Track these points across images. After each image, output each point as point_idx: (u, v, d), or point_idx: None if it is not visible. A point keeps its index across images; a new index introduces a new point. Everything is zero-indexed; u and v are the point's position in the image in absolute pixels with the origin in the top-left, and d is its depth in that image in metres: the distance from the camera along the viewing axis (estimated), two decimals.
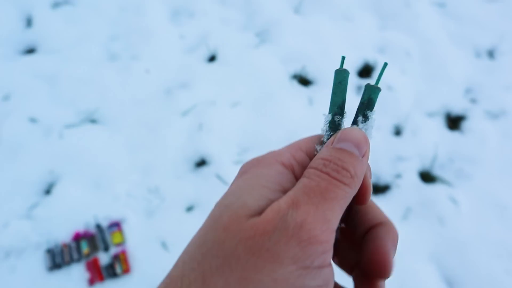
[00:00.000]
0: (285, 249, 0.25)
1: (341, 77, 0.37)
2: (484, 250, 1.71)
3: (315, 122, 1.90)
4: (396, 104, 1.96)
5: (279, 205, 0.27)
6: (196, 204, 1.73)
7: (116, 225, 1.66)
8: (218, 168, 1.78)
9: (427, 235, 1.72)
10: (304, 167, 0.32)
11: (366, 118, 0.36)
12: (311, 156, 0.34)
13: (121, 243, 1.64)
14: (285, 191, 0.29)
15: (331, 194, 0.28)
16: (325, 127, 0.37)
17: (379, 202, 1.72)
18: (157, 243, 1.64)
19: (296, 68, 2.02)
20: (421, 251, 1.69)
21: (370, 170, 0.36)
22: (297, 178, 0.32)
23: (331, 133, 0.36)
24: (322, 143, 0.35)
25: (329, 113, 0.37)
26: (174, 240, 1.66)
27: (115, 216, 1.68)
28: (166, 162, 1.78)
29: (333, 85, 0.37)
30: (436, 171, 1.83)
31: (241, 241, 0.26)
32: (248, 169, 0.33)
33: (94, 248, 1.63)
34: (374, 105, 0.36)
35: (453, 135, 1.93)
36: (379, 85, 0.36)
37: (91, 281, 1.57)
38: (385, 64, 0.36)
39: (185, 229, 1.66)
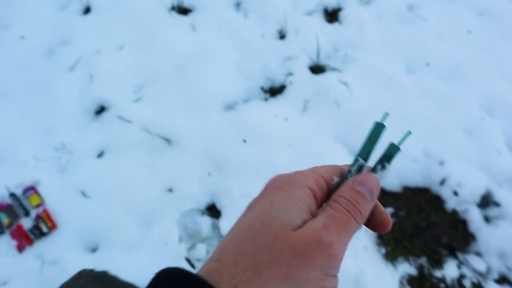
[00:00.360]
0: (317, 258, 0.34)
1: (379, 130, 0.44)
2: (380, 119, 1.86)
3: (201, 46, 1.95)
4: (275, 11, 2.04)
5: (315, 225, 0.36)
6: (106, 148, 1.75)
7: (31, 189, 1.65)
8: (119, 110, 1.80)
9: (328, 119, 1.84)
10: (322, 191, 0.41)
11: (384, 167, 0.43)
12: (328, 183, 0.42)
13: (40, 204, 1.63)
14: (311, 212, 0.38)
15: (348, 227, 0.37)
16: (353, 167, 0.43)
17: (279, 103, 1.82)
18: (76, 193, 1.65)
19: (171, 0, 2.04)
20: (327, 135, 1.82)
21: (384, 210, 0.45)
22: (316, 200, 0.40)
23: (354, 173, 0.43)
24: (341, 175, 0.43)
25: (359, 155, 0.44)
26: (93, 187, 1.68)
27: (27, 181, 1.67)
28: (66, 118, 1.77)
29: (370, 134, 0.44)
30: (324, 62, 1.95)
31: (288, 247, 0.34)
32: (283, 186, 0.39)
33: (14, 216, 1.62)
34: (392, 160, 0.43)
35: (333, 26, 2.05)
36: (400, 147, 0.44)
37: (20, 247, 1.57)
38: (409, 132, 0.43)
39: (101, 174, 1.69)
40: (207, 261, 0.37)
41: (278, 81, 1.89)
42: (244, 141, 1.76)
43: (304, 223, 0.36)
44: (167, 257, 1.60)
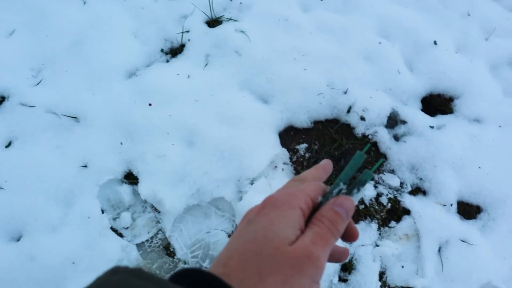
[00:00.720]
0: (308, 268, 0.42)
1: (360, 159, 0.52)
2: (283, 60, 1.90)
3: (94, 18, 1.92)
4: None
5: (306, 241, 0.44)
6: (13, 137, 1.73)
7: None
8: (20, 97, 1.77)
9: (231, 69, 1.87)
10: (309, 209, 0.49)
11: (358, 190, 0.51)
12: (313, 202, 0.50)
13: None
14: (301, 228, 0.46)
15: (330, 242, 0.46)
16: (335, 190, 0.52)
17: (180, 62, 1.83)
18: None
19: None
20: (231, 84, 1.85)
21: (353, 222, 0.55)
22: (304, 217, 0.48)
23: (334, 195, 0.51)
24: (324, 196, 0.51)
25: (342, 182, 0.52)
26: (6, 178, 1.67)
27: None
28: None
29: (352, 162, 0.52)
30: (220, 14, 1.95)
31: (286, 259, 0.42)
32: (279, 205, 0.47)
33: None
34: (365, 184, 0.52)
35: None
36: (373, 174, 0.51)
37: None
38: (382, 160, 0.54)
39: (12, 164, 1.67)
40: (213, 265, 0.44)
41: (176, 41, 1.89)
42: (150, 104, 1.77)
43: (297, 238, 0.45)
44: (92, 231, 1.62)
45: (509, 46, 2.04)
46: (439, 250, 1.68)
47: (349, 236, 0.55)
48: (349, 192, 0.52)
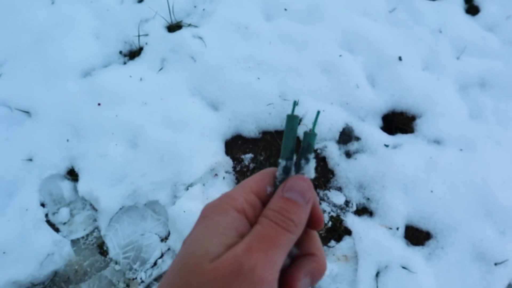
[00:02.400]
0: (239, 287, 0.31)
1: (293, 123, 0.42)
2: (237, 68, 1.89)
3: (59, 18, 1.98)
4: None
5: (236, 251, 0.33)
6: None
7: None
8: None
9: (184, 74, 1.87)
10: (255, 208, 0.39)
11: (307, 160, 0.42)
12: (261, 197, 0.40)
13: None
14: (241, 235, 0.36)
15: (278, 241, 0.35)
16: (278, 172, 0.42)
17: (136, 64, 1.85)
18: None
19: None
20: (183, 89, 1.85)
21: (317, 200, 0.42)
22: (249, 219, 0.38)
23: (284, 177, 0.42)
24: (274, 185, 0.42)
25: (282, 158, 0.42)
26: None
27: None
28: None
29: (285, 130, 0.43)
30: (183, 19, 1.97)
31: (204, 283, 0.32)
32: (208, 214, 0.38)
33: None
34: (313, 148, 0.42)
35: None
36: (315, 130, 0.43)
37: None
38: (318, 112, 0.43)
39: None
40: None
41: (135, 44, 1.92)
42: (99, 104, 1.80)
43: (229, 248, 0.34)
44: (27, 223, 1.65)
45: (481, 66, 1.94)
46: (376, 275, 1.60)
47: (311, 222, 0.41)
48: (298, 167, 0.42)
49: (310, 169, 0.42)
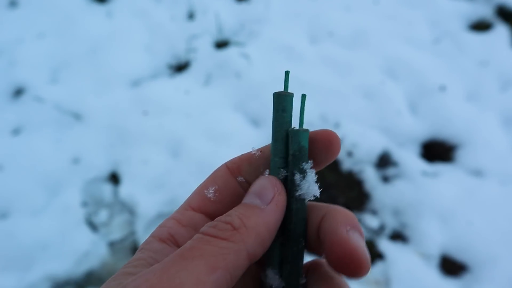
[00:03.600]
0: None
1: (284, 103, 0.29)
2: (279, 87, 1.93)
3: (113, 31, 2.10)
4: None
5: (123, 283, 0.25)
6: (21, 126, 1.90)
7: None
8: (35, 91, 1.96)
9: (228, 90, 1.93)
10: (196, 226, 0.31)
11: (303, 173, 0.29)
12: (207, 208, 0.32)
13: None
14: None
15: (194, 253, 0.25)
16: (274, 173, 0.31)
17: (182, 78, 1.93)
18: None
19: None
20: (226, 104, 1.91)
21: (362, 235, 0.28)
22: (179, 244, 0.31)
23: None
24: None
25: (271, 167, 0.30)
26: (7, 161, 1.83)
27: None
28: None
29: (273, 115, 0.30)
30: (230, 38, 2.04)
31: None
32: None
33: None
34: (307, 153, 0.29)
35: (241, 5, 2.15)
36: (304, 126, 0.28)
37: None
38: (304, 96, 0.31)
39: (14, 149, 1.84)
40: None
41: (184, 58, 2.01)
42: (145, 113, 1.87)
43: None
44: (68, 221, 1.72)
45: None
46: None
47: (337, 259, 0.28)
48: (291, 183, 0.30)
49: (310, 186, 0.29)
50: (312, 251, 0.31)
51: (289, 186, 0.30)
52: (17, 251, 1.65)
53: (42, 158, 1.83)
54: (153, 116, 1.87)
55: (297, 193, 0.30)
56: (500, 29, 2.12)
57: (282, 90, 0.31)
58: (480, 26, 2.16)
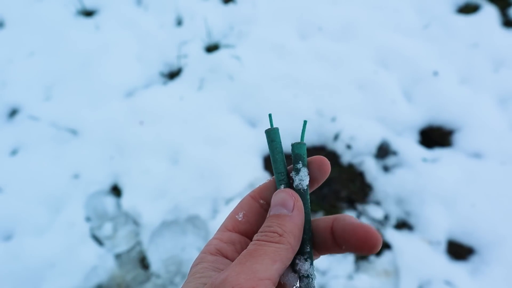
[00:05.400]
0: None
1: (272, 135, 0.42)
2: (274, 86, 1.93)
3: (102, 43, 2.09)
4: (173, 1, 2.16)
5: (211, 280, 0.34)
6: (19, 146, 1.90)
7: None
8: (30, 111, 1.95)
9: (223, 93, 1.93)
10: (234, 243, 0.42)
11: (297, 171, 0.41)
12: (241, 228, 0.43)
13: None
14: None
15: (258, 252, 0.35)
16: (278, 187, 0.42)
17: (176, 84, 1.93)
18: None
19: (73, 2, 2.20)
20: (221, 107, 1.91)
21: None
22: (229, 256, 0.41)
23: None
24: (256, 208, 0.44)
25: (275, 173, 0.42)
26: (7, 181, 1.83)
27: None
28: None
29: (268, 145, 0.43)
30: (220, 41, 2.04)
31: None
32: (191, 269, 0.40)
33: None
34: (301, 157, 0.41)
35: (229, 7, 2.15)
36: (303, 140, 0.43)
37: None
38: (305, 122, 0.43)
39: (14, 169, 1.84)
40: None
41: (176, 65, 2.00)
42: (141, 123, 1.87)
43: None
44: (74, 237, 1.72)
45: None
46: None
47: (354, 240, 0.39)
48: (289, 179, 0.43)
49: (301, 178, 0.41)
50: (329, 251, 0.42)
51: (291, 181, 0.42)
52: (24, 271, 1.64)
53: (42, 176, 1.83)
54: (150, 125, 1.86)
55: (294, 184, 0.42)
56: (488, 10, 2.12)
57: (269, 127, 0.44)
58: (468, 9, 2.16)
